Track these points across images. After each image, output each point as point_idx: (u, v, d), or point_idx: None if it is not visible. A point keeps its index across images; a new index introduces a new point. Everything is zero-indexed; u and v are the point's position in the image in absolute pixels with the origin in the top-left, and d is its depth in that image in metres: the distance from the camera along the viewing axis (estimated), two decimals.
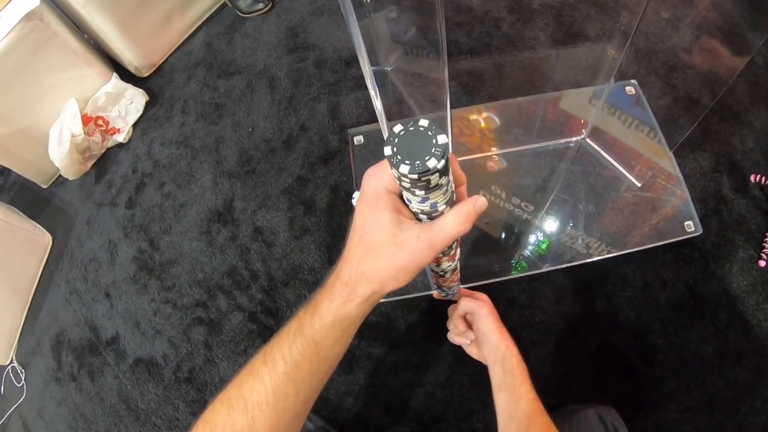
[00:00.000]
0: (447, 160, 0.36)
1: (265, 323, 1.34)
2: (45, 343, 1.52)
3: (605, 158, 1.29)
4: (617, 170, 1.27)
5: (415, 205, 0.42)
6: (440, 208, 0.42)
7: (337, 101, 1.59)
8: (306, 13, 1.81)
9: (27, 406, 1.47)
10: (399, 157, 0.36)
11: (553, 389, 1.13)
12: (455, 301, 0.81)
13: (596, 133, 1.31)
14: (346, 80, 1.62)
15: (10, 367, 1.55)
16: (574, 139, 1.32)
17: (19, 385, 1.51)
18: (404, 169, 0.35)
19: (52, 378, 1.47)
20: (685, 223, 1.19)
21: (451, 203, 0.43)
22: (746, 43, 1.03)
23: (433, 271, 0.64)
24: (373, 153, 1.46)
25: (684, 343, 1.15)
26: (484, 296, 0.78)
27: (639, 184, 1.24)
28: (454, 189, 0.43)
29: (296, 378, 0.46)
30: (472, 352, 0.79)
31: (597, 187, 1.27)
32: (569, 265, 1.19)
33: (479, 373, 0.75)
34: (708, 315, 1.17)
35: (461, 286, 0.79)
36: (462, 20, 1.65)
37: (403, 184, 0.38)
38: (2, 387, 1.54)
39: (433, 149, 0.35)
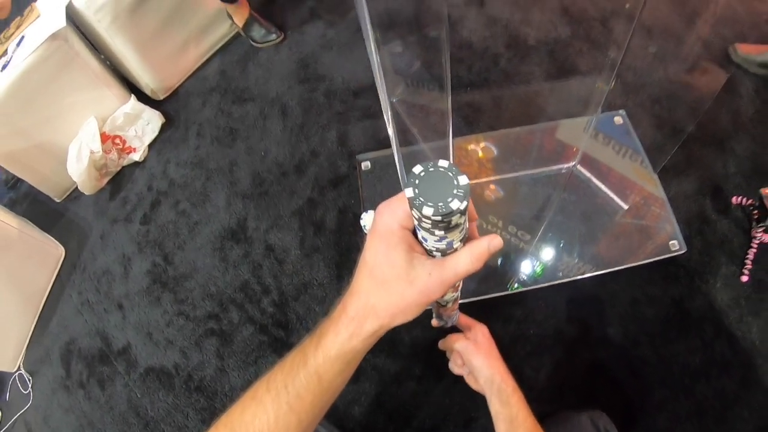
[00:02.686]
0: (468, 201, 0.37)
1: (276, 335, 1.41)
2: (54, 352, 1.57)
3: (595, 184, 1.41)
4: (606, 195, 1.40)
5: (431, 244, 0.42)
6: (455, 246, 0.43)
7: (345, 129, 1.71)
8: (316, 46, 1.94)
9: (33, 413, 1.51)
10: (421, 199, 0.36)
11: (547, 398, 1.22)
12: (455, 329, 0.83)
13: (587, 161, 1.44)
14: (354, 110, 1.74)
15: (17, 374, 1.58)
16: (566, 166, 1.45)
17: (26, 392, 1.55)
18: (427, 211, 0.35)
19: (60, 386, 1.51)
20: (670, 242, 1.30)
21: (464, 240, 0.44)
22: (719, 74, 1.16)
23: (435, 302, 0.64)
24: (379, 178, 1.57)
25: (672, 355, 1.24)
26: (481, 326, 0.82)
27: (626, 207, 1.36)
28: (467, 226, 0.44)
29: (298, 408, 0.47)
30: (471, 383, 0.82)
31: (587, 210, 1.38)
32: (562, 282, 1.30)
33: None
34: (694, 328, 1.26)
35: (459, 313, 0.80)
36: (462, 56, 1.79)
37: (423, 224, 0.39)
38: (8, 394, 1.57)
39: (455, 190, 0.36)
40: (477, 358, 0.78)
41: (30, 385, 1.55)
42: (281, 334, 1.41)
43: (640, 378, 1.21)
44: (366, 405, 1.28)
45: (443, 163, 0.38)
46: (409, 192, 0.37)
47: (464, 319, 0.83)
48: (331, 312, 0.48)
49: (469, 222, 0.45)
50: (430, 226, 0.38)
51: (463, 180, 0.37)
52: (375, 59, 0.88)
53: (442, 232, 0.39)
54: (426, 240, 0.42)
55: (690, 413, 1.17)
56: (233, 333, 1.44)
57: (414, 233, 0.45)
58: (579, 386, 1.23)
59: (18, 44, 1.60)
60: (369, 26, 0.79)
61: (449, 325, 0.79)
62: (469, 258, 0.42)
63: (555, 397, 1.22)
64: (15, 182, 1.98)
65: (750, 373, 1.20)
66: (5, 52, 1.61)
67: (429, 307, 0.61)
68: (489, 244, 0.43)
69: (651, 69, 1.63)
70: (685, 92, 1.54)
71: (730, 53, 1.61)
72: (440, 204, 0.35)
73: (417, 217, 0.38)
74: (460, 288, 0.62)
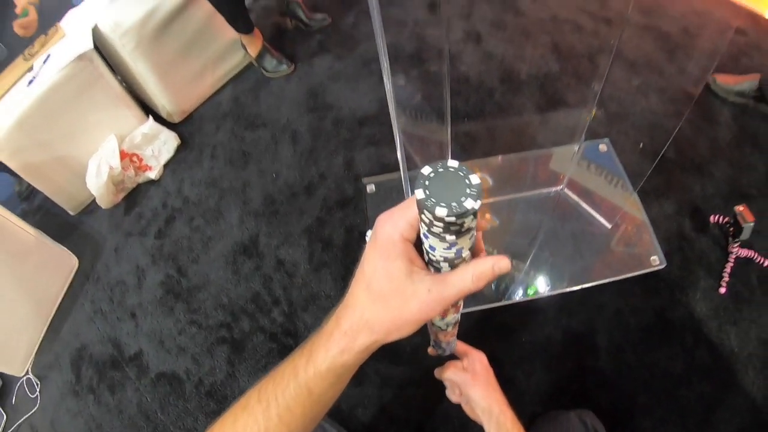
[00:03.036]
0: (481, 201, 0.35)
1: (285, 343, 1.50)
2: (64, 358, 1.63)
3: (581, 206, 1.55)
4: (591, 215, 1.53)
5: (440, 252, 0.40)
6: (464, 254, 0.41)
7: (351, 155, 1.84)
8: (325, 77, 2.10)
9: (39, 416, 1.56)
10: (433, 200, 0.34)
11: (538, 400, 1.32)
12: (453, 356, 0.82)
13: (573, 185, 1.59)
14: (360, 138, 1.88)
15: (24, 378, 1.63)
16: (554, 189, 1.60)
17: (33, 396, 1.59)
18: (441, 212, 0.33)
19: (70, 391, 1.57)
20: (651, 258, 1.42)
21: (472, 248, 0.42)
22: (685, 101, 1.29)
23: (434, 325, 0.62)
24: (383, 200, 1.69)
25: (654, 361, 1.32)
26: (479, 354, 0.81)
27: (610, 226, 1.49)
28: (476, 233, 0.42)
29: (288, 420, 0.46)
30: (468, 412, 0.81)
31: (575, 229, 1.52)
32: (551, 294, 1.42)
33: None
34: (675, 336, 1.35)
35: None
36: (460, 89, 1.95)
37: (434, 229, 0.36)
38: (14, 397, 1.62)
39: (468, 190, 0.34)
40: (475, 389, 0.77)
41: (38, 390, 1.59)
42: (290, 342, 1.50)
43: (625, 382, 1.32)
44: (369, 407, 1.37)
45: (452, 163, 0.36)
46: (419, 193, 0.35)
47: (461, 347, 0.82)
48: (325, 323, 0.47)
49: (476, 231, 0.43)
50: (441, 230, 0.36)
51: (475, 179, 0.35)
52: (389, 89, 1.02)
53: (453, 237, 0.37)
54: (434, 249, 0.40)
55: (673, 415, 1.27)
56: (244, 341, 1.53)
57: (416, 246, 0.43)
58: (568, 389, 1.33)
59: (44, 61, 1.72)
60: (386, 64, 0.93)
61: (447, 353, 0.75)
62: (471, 277, 0.41)
63: (545, 399, 1.32)
64: (28, 194, 2.06)
65: (730, 378, 1.28)
66: (31, 68, 1.74)
67: (434, 326, 0.62)
68: (494, 265, 0.41)
69: (634, 100, 1.79)
70: (663, 119, 1.69)
71: (710, 83, 1.76)
72: (453, 204, 0.34)
73: (428, 220, 0.36)
74: (460, 309, 0.59)
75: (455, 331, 0.67)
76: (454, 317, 0.58)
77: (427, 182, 0.35)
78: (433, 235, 0.38)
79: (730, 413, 1.25)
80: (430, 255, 0.42)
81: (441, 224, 0.35)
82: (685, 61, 1.85)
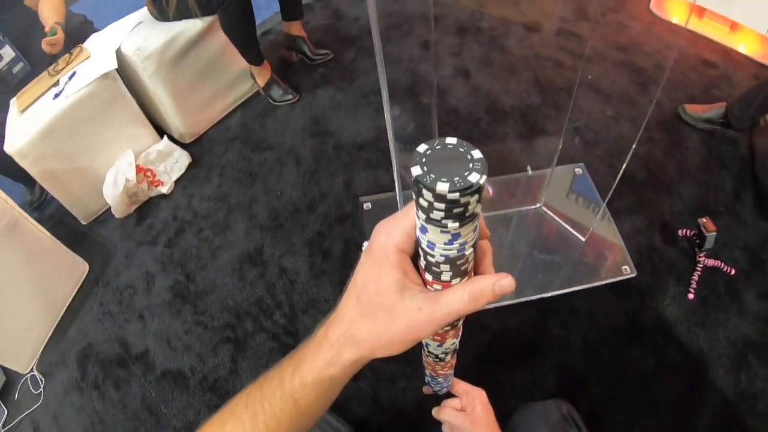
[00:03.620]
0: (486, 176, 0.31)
1: (286, 342, 1.60)
2: (70, 356, 1.71)
3: (557, 221, 1.71)
4: (567, 229, 1.68)
5: (440, 250, 0.35)
6: (467, 253, 0.36)
7: (350, 176, 1.99)
8: (327, 107, 2.28)
9: (42, 412, 1.62)
10: (432, 175, 0.30)
11: (519, 395, 1.42)
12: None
13: (550, 202, 1.74)
14: (359, 161, 2.04)
15: (29, 375, 1.70)
16: (533, 207, 1.75)
17: (36, 393, 1.66)
18: (442, 187, 0.29)
19: (74, 387, 1.64)
20: (622, 267, 1.56)
21: (475, 249, 0.39)
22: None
23: (430, 354, 0.57)
24: (379, 216, 1.81)
25: (627, 360, 1.42)
26: (479, 393, 0.77)
27: (584, 239, 1.64)
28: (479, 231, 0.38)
29: (275, 429, 0.45)
30: None
31: (551, 241, 1.66)
32: (530, 299, 1.54)
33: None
34: (646, 338, 1.45)
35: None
36: (449, 119, 2.13)
37: (434, 215, 0.32)
38: (17, 393, 1.68)
39: (471, 164, 0.31)
40: None
41: (42, 386, 1.66)
42: (291, 341, 1.60)
43: (599, 378, 1.42)
44: (363, 400, 1.46)
45: (451, 139, 0.33)
46: (415, 170, 0.31)
47: (460, 385, 0.77)
48: (315, 332, 0.45)
49: (480, 238, 0.40)
50: (443, 214, 0.31)
51: (478, 154, 0.31)
52: (388, 118, 1.19)
53: (456, 224, 0.32)
54: (433, 246, 0.35)
55: (647, 409, 1.36)
56: (247, 340, 1.63)
57: (413, 259, 0.41)
58: (546, 384, 1.43)
59: (70, 78, 1.88)
60: (387, 99, 1.09)
61: (444, 391, 0.72)
62: (468, 296, 0.37)
63: (525, 393, 1.42)
64: (39, 204, 2.18)
65: (701, 376, 1.38)
66: (57, 83, 1.90)
67: (430, 355, 0.58)
68: (496, 284, 0.37)
69: (607, 128, 1.97)
70: (625, 139, 1.85)
71: (680, 112, 1.94)
72: (456, 179, 0.30)
73: (426, 204, 0.31)
74: (460, 334, 0.53)
75: (454, 362, 0.61)
76: (452, 343, 0.53)
77: (424, 159, 0.31)
78: (433, 225, 0.33)
79: (702, 408, 1.35)
80: (428, 257, 0.37)
81: (442, 205, 0.30)
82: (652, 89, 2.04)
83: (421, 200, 0.31)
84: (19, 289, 1.68)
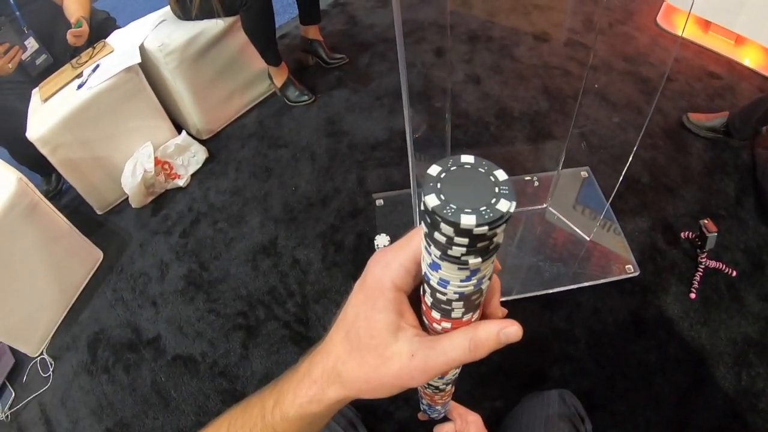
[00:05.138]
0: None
1: (297, 330, 1.63)
2: (81, 340, 1.73)
3: (563, 220, 1.75)
4: (572, 228, 1.72)
5: (454, 288, 0.30)
6: (484, 286, 0.32)
7: (364, 174, 2.04)
8: (342, 108, 2.33)
9: (50, 394, 1.64)
10: (453, 206, 0.25)
11: (524, 385, 1.44)
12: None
13: (557, 203, 1.79)
14: (372, 160, 2.09)
15: (39, 358, 1.72)
16: (540, 207, 1.80)
17: (45, 376, 1.68)
18: (468, 221, 0.24)
19: (84, 370, 1.66)
20: (626, 266, 1.60)
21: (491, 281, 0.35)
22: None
23: (429, 386, 0.52)
24: (390, 212, 1.88)
25: (630, 353, 1.45)
26: (475, 418, 0.72)
27: (588, 239, 1.68)
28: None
29: None
30: None
31: (558, 240, 1.70)
32: (537, 294, 1.57)
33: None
34: (649, 332, 1.48)
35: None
36: (460, 122, 2.18)
37: (453, 251, 0.27)
38: (25, 376, 1.70)
39: (496, 188, 0.26)
40: None
41: (51, 369, 1.68)
42: (302, 329, 1.63)
43: (603, 369, 1.45)
44: (353, 402, 1.47)
45: (467, 158, 0.28)
46: (431, 200, 0.26)
47: (456, 409, 0.72)
48: (299, 363, 0.42)
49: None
50: (464, 251, 0.27)
51: (502, 174, 0.27)
52: (407, 116, 1.23)
53: (479, 260, 0.28)
54: (445, 284, 0.30)
55: (649, 401, 1.38)
56: (259, 327, 1.65)
57: (410, 297, 0.37)
58: (551, 376, 1.46)
59: (93, 70, 1.93)
60: (407, 96, 1.14)
61: (441, 416, 0.68)
62: (469, 344, 0.34)
63: (530, 384, 1.44)
64: (55, 194, 2.22)
65: (702, 369, 1.41)
66: (81, 75, 1.95)
67: (429, 387, 0.53)
68: (501, 331, 0.34)
69: (613, 134, 2.03)
70: (632, 146, 1.90)
71: (684, 120, 1.99)
72: (483, 209, 0.25)
73: (445, 238, 0.26)
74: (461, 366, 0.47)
75: (452, 390, 0.56)
76: (454, 374, 0.49)
77: (439, 184, 0.27)
78: (450, 262, 0.28)
79: (703, 401, 1.37)
80: (438, 294, 0.32)
81: (465, 240, 0.26)
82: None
83: (437, 234, 0.26)
84: (33, 273, 1.70)
